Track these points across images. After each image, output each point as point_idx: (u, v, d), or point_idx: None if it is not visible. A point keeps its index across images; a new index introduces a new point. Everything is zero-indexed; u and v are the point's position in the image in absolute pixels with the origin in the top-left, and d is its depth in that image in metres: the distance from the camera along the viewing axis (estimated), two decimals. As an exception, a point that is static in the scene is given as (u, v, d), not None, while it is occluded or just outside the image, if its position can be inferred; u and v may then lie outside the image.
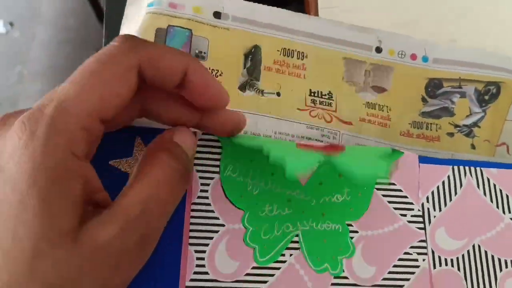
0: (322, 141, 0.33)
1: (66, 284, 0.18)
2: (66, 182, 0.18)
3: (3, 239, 0.17)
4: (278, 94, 0.33)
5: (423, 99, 0.36)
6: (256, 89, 0.32)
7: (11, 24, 1.39)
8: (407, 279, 0.30)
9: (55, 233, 0.18)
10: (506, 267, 0.31)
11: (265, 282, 0.28)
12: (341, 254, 0.30)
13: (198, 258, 0.28)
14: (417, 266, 0.30)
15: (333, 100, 0.34)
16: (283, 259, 0.29)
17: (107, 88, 0.19)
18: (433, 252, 0.30)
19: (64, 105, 0.18)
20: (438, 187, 0.32)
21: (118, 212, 0.19)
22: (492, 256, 0.31)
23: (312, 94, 0.34)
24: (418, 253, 0.30)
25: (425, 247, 0.31)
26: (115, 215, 0.19)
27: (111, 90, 0.20)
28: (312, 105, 0.34)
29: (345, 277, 0.29)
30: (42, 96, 0.19)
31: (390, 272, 0.30)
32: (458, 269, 0.30)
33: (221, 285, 0.27)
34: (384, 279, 0.30)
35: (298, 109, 0.33)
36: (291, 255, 0.29)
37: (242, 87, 0.32)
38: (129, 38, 0.21)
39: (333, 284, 0.29)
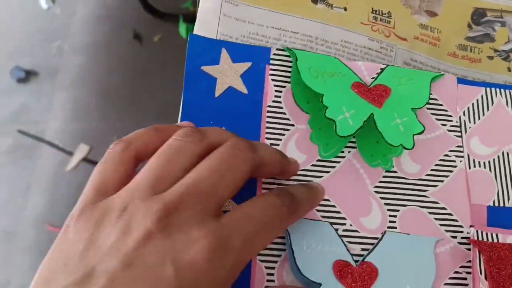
0: (380, 53, 0.39)
1: None
2: None
3: None
4: (345, 9, 0.39)
5: (469, 25, 0.42)
6: (326, 3, 0.38)
7: (53, 1, 1.46)
8: (447, 176, 0.35)
9: None
10: None
11: (327, 172, 0.34)
12: (391, 153, 0.35)
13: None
14: (455, 166, 0.36)
15: (391, 18, 0.40)
16: (343, 155, 0.35)
17: (235, 186, 0.25)
18: (468, 156, 0.36)
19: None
20: (473, 104, 0.37)
21: None
22: None
23: (374, 12, 0.40)
24: (456, 156, 0.36)
25: (461, 151, 0.36)
26: None
27: (234, 188, 0.25)
28: (374, 21, 0.39)
29: (395, 171, 0.35)
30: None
31: (432, 170, 0.35)
32: (490, 170, 0.36)
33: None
34: (427, 175, 0.35)
35: (362, 23, 0.39)
36: (349, 152, 0.35)
37: (315, 0, 0.38)
38: (247, 146, 0.26)
39: (384, 177, 0.35)
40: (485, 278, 0.34)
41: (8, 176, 1.32)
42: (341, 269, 0.32)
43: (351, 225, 0.34)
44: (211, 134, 0.26)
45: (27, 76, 1.38)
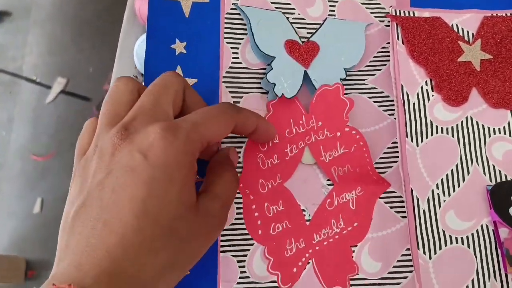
0: None
1: (191, 238, 0.27)
2: (193, 173, 0.28)
3: (153, 205, 0.25)
4: None
5: None
6: None
7: None
8: None
9: (188, 204, 0.27)
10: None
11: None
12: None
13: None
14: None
15: None
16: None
17: (220, 131, 0.30)
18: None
19: (196, 126, 0.28)
20: None
21: (217, 197, 0.30)
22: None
23: None
24: None
25: None
26: (216, 198, 0.30)
27: (220, 133, 0.30)
28: None
29: None
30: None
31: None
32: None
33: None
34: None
35: None
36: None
37: None
38: (232, 105, 0.31)
39: None
40: (402, 42, 0.39)
41: (-11, 112, 1.35)
42: (290, 46, 0.38)
43: (299, 14, 0.39)
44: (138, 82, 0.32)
45: (1, 16, 1.40)
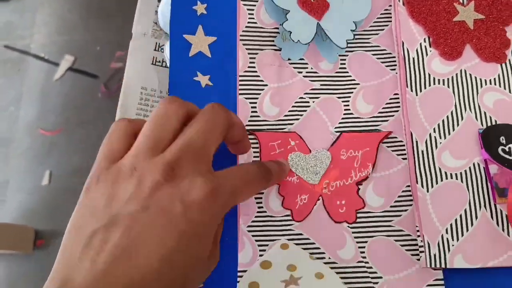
0: None
1: (200, 280, 0.31)
2: (219, 229, 0.31)
3: (178, 257, 0.26)
4: None
5: None
6: None
7: None
8: None
9: (206, 255, 0.29)
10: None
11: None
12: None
13: None
14: None
15: None
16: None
17: (251, 196, 0.35)
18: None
19: (235, 195, 0.30)
20: None
21: (218, 242, 0.31)
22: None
23: None
24: None
25: None
26: (218, 243, 0.31)
27: (250, 196, 0.34)
28: None
29: None
30: None
31: None
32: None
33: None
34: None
35: None
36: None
37: None
38: (268, 170, 0.35)
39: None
40: (403, 4, 0.43)
41: (-1, 88, 1.39)
42: (303, 2, 0.42)
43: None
44: (188, 102, 0.32)
45: (9, -5, 1.44)
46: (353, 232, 0.39)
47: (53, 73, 1.38)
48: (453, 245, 0.37)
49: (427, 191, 0.38)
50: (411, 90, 0.41)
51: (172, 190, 0.27)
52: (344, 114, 0.42)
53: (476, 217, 0.37)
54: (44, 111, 1.35)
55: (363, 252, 0.38)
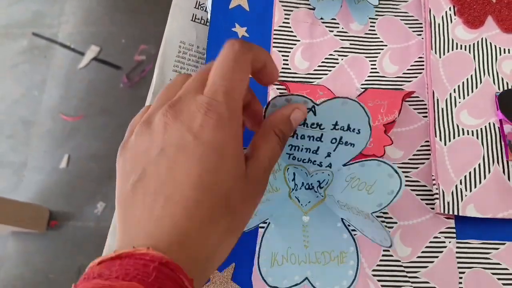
0: None
1: (243, 204, 0.29)
2: (239, 143, 0.29)
3: (208, 180, 0.27)
4: None
5: None
6: None
7: None
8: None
9: (239, 175, 0.28)
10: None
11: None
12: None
13: None
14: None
15: None
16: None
17: (246, 79, 0.30)
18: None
19: (229, 94, 0.28)
20: None
21: (262, 163, 0.31)
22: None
23: None
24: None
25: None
26: (261, 164, 0.30)
27: (247, 79, 0.30)
28: None
29: None
30: None
31: None
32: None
33: None
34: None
35: None
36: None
37: None
38: (242, 44, 0.30)
39: None
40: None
41: (25, 73, 1.43)
42: None
43: None
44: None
45: (41, -14, 1.49)
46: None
47: (78, 61, 1.42)
48: (466, 195, 0.39)
49: (445, 144, 0.41)
50: (435, 53, 0.43)
51: (178, 125, 0.28)
52: (371, 72, 0.44)
53: (489, 171, 0.40)
54: (67, 96, 1.39)
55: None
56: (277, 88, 0.43)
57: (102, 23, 1.46)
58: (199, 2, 0.50)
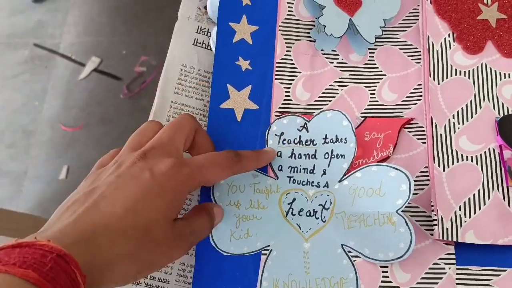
0: None
1: (159, 243, 0.32)
2: (179, 201, 0.34)
3: (141, 206, 0.31)
4: None
5: None
6: None
7: None
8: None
9: (168, 217, 0.33)
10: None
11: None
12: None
13: None
14: None
15: None
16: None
17: (219, 177, 0.38)
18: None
19: (200, 169, 0.35)
20: None
21: (191, 226, 0.36)
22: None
23: None
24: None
25: None
26: (190, 226, 0.36)
27: (219, 178, 0.39)
28: None
29: None
30: None
31: None
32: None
33: None
34: None
35: None
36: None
37: None
38: (235, 155, 0.38)
39: None
40: (430, 2, 0.47)
41: (26, 83, 1.43)
42: None
43: None
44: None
45: (43, -4, 1.50)
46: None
47: (79, 72, 1.43)
48: (465, 221, 0.39)
49: (443, 170, 0.41)
50: (434, 79, 0.44)
51: (142, 164, 0.33)
52: (370, 101, 0.45)
53: (489, 197, 0.40)
54: (67, 107, 1.39)
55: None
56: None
57: (103, 33, 1.47)
58: (201, 27, 0.51)
